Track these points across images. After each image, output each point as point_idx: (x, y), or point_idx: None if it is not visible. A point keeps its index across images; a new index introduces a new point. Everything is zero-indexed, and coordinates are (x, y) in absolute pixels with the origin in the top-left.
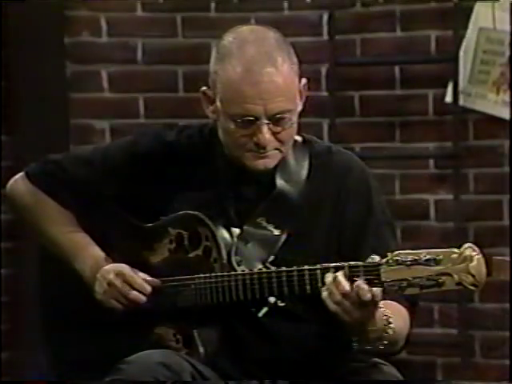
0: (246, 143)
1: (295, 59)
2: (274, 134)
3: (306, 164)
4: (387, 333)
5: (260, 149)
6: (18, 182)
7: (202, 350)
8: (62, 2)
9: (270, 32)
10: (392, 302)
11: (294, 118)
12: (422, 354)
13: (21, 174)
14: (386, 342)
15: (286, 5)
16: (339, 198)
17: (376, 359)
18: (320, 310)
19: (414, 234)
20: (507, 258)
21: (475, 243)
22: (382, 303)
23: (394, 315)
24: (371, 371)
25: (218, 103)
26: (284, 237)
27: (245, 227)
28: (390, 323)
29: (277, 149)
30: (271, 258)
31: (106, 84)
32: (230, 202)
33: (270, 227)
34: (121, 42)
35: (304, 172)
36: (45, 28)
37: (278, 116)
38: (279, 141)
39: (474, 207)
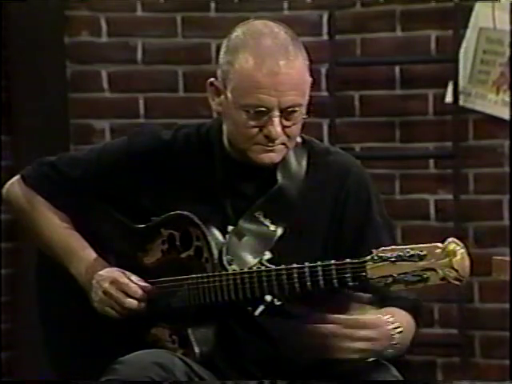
0: (256, 135)
1: (306, 55)
2: (284, 127)
3: (304, 163)
4: (393, 348)
5: (269, 142)
6: (13, 184)
7: (197, 349)
8: (62, 2)
9: (282, 27)
10: (397, 309)
11: (303, 114)
12: (421, 354)
13: (16, 176)
14: (391, 351)
15: (285, 5)
16: (338, 199)
17: (376, 359)
18: (316, 309)
19: (414, 234)
20: (507, 258)
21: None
22: (389, 312)
23: (401, 325)
24: (371, 371)
25: (229, 94)
26: (279, 233)
27: (241, 220)
28: (394, 338)
29: (283, 144)
30: (267, 254)
31: (105, 84)
32: (228, 199)
33: (267, 222)
34: (121, 42)
35: (303, 171)
36: (45, 28)
37: (290, 109)
38: (287, 135)
39: (474, 207)
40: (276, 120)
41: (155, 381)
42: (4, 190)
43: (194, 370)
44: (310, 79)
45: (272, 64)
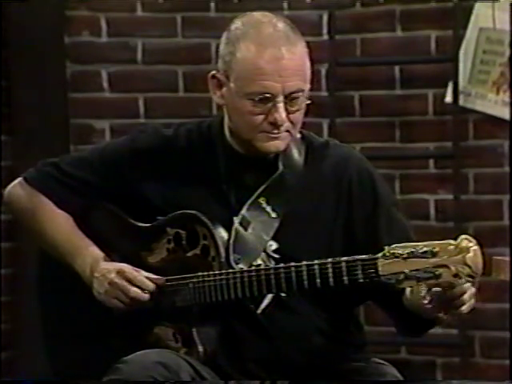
0: (261, 123)
1: (305, 43)
2: (288, 113)
3: (303, 155)
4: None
5: (274, 129)
6: (15, 186)
7: (201, 349)
8: (62, 2)
9: (280, 17)
10: None
11: (306, 100)
12: (421, 354)
13: (18, 179)
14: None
15: (285, 5)
16: (341, 188)
17: (376, 359)
18: (320, 306)
19: (413, 234)
20: (507, 258)
21: (478, 240)
22: None
23: None
24: (371, 371)
25: (233, 84)
26: (281, 221)
27: (245, 208)
28: None
29: (287, 131)
30: (273, 245)
31: (105, 84)
32: (232, 191)
33: (269, 209)
34: (121, 42)
35: (302, 162)
36: (45, 28)
37: (294, 95)
38: (291, 122)
39: (474, 207)
40: (280, 106)
41: (158, 381)
42: (6, 192)
43: (197, 369)
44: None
45: (274, 50)
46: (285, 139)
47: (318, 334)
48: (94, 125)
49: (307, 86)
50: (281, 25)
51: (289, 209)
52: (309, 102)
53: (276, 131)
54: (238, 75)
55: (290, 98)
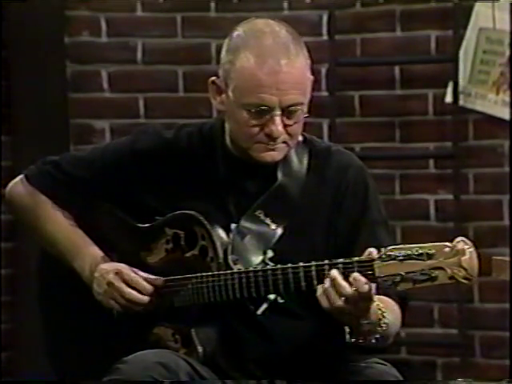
0: (257, 134)
1: (307, 53)
2: (285, 126)
3: (305, 162)
4: (381, 326)
5: (270, 140)
6: (17, 184)
7: (200, 349)
8: (62, 2)
9: (284, 26)
10: (384, 297)
11: (304, 112)
12: (421, 354)
13: (19, 176)
14: (377, 336)
15: (285, 5)
16: (337, 195)
17: (376, 359)
18: (319, 308)
19: (414, 234)
20: (507, 258)
21: (475, 243)
22: (375, 298)
23: (387, 310)
24: (371, 371)
25: (231, 93)
26: (280, 232)
27: (242, 220)
28: (383, 317)
29: (285, 142)
30: (270, 253)
31: (105, 84)
32: (230, 197)
33: (268, 221)
34: (121, 42)
35: (304, 169)
36: (45, 28)
37: (291, 108)
38: (288, 134)
39: (474, 207)
40: (277, 119)
41: (158, 381)
42: (7, 190)
43: (197, 369)
44: (311, 78)
45: (273, 63)
46: (282, 150)
47: (318, 334)
48: (93, 125)
49: (306, 99)
50: (283, 35)
51: (289, 219)
52: (306, 115)
53: (272, 143)
54: (236, 85)
55: (287, 111)
